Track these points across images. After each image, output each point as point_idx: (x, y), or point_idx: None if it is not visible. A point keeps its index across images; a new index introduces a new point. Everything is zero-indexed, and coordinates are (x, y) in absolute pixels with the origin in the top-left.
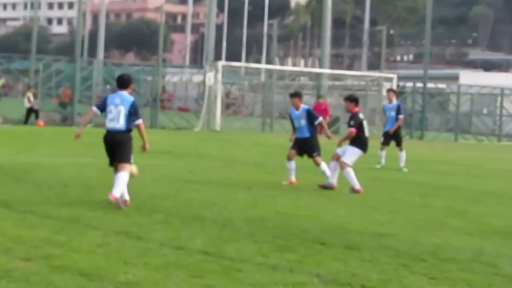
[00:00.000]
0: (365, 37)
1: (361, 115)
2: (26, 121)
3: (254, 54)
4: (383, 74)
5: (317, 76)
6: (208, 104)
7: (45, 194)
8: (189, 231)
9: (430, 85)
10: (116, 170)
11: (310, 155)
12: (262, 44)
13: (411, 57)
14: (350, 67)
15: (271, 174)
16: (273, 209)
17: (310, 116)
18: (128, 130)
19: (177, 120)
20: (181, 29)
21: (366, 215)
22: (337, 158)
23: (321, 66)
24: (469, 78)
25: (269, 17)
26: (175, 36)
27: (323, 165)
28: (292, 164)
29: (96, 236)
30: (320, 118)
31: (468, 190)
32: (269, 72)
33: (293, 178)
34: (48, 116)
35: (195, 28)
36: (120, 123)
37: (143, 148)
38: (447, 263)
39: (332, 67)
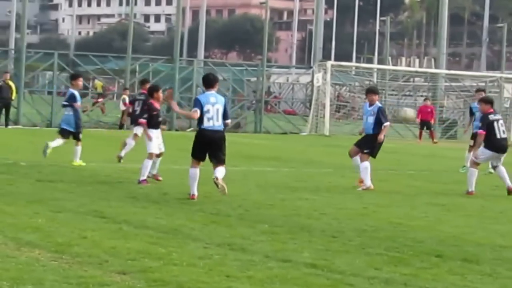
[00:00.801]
0: (485, 35)
1: (491, 116)
2: (121, 126)
3: (365, 53)
4: (503, 75)
5: (433, 76)
6: (316, 107)
7: (142, 203)
8: (296, 242)
9: None
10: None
11: (362, 151)
12: (374, 43)
13: None
14: (468, 67)
15: (384, 181)
16: (386, 219)
17: (380, 115)
18: (224, 129)
19: (283, 124)
20: (287, 26)
21: (485, 225)
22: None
23: (437, 66)
24: None
25: (382, 14)
26: (281, 34)
27: (364, 164)
28: (357, 161)
29: (196, 248)
30: (388, 123)
31: None
32: (382, 73)
33: (368, 182)
34: None
35: (302, 25)
36: (219, 122)
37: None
38: None
39: (448, 67)
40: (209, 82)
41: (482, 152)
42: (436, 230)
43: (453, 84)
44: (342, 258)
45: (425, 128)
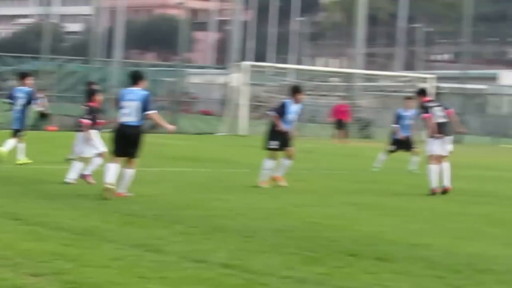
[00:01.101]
0: (401, 35)
1: (430, 104)
2: (35, 125)
3: (282, 53)
4: (419, 75)
5: (350, 76)
6: (233, 107)
7: (58, 204)
8: (211, 243)
9: (468, 85)
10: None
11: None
12: (291, 43)
13: (449, 56)
14: (384, 67)
15: (300, 181)
16: (301, 218)
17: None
18: (140, 125)
19: (200, 124)
20: (204, 26)
21: (399, 224)
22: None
23: (353, 66)
24: (509, 78)
25: (299, 14)
26: (198, 34)
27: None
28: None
29: (111, 249)
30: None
31: (508, 197)
32: (298, 73)
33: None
34: (61, 120)
35: (220, 25)
36: (135, 118)
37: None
38: (484, 275)
39: (365, 67)
40: (132, 78)
41: (429, 144)
42: (351, 229)
43: (370, 84)
44: (257, 258)
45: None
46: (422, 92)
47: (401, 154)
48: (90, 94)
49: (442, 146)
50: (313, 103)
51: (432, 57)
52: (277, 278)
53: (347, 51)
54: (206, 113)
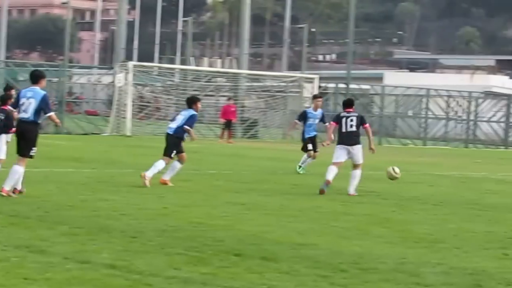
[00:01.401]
0: (286, 36)
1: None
2: None
3: (168, 53)
4: (304, 75)
5: (235, 76)
6: (117, 107)
7: None
8: (95, 243)
9: (353, 86)
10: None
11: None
12: (177, 43)
13: (334, 56)
14: (270, 67)
15: (185, 181)
16: (186, 218)
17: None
18: (36, 122)
19: (85, 124)
20: (89, 26)
21: (284, 224)
22: None
23: (239, 67)
24: (394, 78)
25: (184, 14)
26: (83, 34)
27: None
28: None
29: None
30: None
31: (392, 196)
32: (184, 73)
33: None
34: None
35: (105, 25)
36: (28, 114)
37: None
38: (369, 274)
39: (250, 67)
40: (33, 77)
41: (335, 149)
42: (236, 229)
43: (255, 84)
44: (142, 259)
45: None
46: (347, 103)
47: (289, 154)
48: (6, 98)
49: (347, 155)
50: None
51: (319, 57)
52: (162, 279)
53: (233, 51)
54: (92, 114)
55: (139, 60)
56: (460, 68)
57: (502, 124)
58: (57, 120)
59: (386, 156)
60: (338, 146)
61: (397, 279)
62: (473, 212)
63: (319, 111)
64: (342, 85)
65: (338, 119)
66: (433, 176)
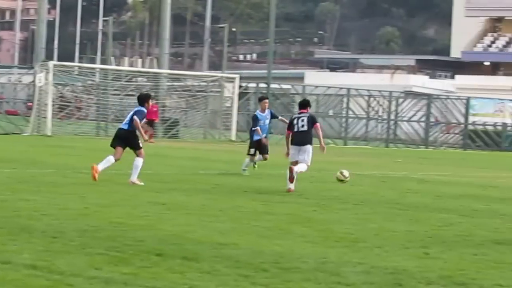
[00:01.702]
0: (207, 35)
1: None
2: None
3: (88, 53)
4: (224, 74)
5: (156, 76)
6: (38, 107)
7: None
8: (16, 244)
9: (274, 85)
10: None
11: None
12: (97, 43)
13: (254, 56)
14: (190, 67)
15: (106, 181)
16: (107, 218)
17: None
18: None
19: (5, 124)
20: (10, 26)
21: (205, 223)
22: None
23: (159, 66)
24: (315, 78)
25: (105, 14)
26: (3, 34)
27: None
28: None
29: None
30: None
31: (313, 196)
32: (104, 73)
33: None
34: None
35: (25, 25)
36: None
37: None
38: (290, 273)
39: (171, 67)
40: None
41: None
42: (157, 229)
43: (176, 83)
44: (63, 259)
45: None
46: (302, 104)
47: (210, 154)
48: None
49: (298, 154)
50: (120, 103)
51: (240, 57)
52: (83, 279)
53: (154, 50)
54: (12, 113)
55: (60, 59)
56: (380, 68)
57: (423, 124)
58: None
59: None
60: (291, 146)
61: (318, 279)
62: (394, 212)
63: (267, 111)
64: (263, 85)
65: (291, 124)
66: (354, 175)
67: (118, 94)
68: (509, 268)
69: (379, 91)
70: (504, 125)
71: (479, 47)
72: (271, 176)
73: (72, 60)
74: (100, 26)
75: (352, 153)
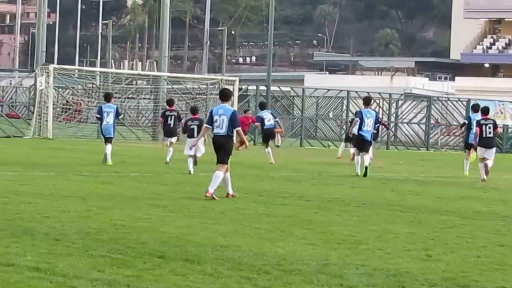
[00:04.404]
0: (206, 38)
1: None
2: None
3: (88, 56)
4: (224, 77)
5: (155, 79)
6: (39, 110)
7: None
8: (19, 246)
9: (274, 88)
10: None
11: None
12: (97, 46)
13: (254, 58)
14: (190, 70)
15: (107, 184)
16: (109, 221)
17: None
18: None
19: (6, 127)
20: (10, 30)
21: (207, 226)
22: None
23: (159, 69)
24: (315, 80)
25: (104, 17)
26: (4, 37)
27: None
28: None
29: None
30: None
31: (314, 198)
32: (105, 76)
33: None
34: None
35: (25, 28)
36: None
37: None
38: (292, 275)
39: (171, 70)
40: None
41: None
42: (159, 231)
43: (175, 86)
44: (65, 261)
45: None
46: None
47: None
48: None
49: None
50: (120, 106)
51: (239, 60)
52: (86, 281)
53: (153, 53)
54: (13, 117)
55: (60, 63)
56: (379, 70)
57: (423, 126)
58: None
59: (307, 158)
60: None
61: (320, 281)
62: (395, 214)
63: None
64: (262, 87)
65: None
66: (354, 177)
67: (119, 97)
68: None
69: (379, 93)
70: (505, 126)
71: (478, 49)
72: (272, 178)
73: (73, 63)
74: (100, 30)
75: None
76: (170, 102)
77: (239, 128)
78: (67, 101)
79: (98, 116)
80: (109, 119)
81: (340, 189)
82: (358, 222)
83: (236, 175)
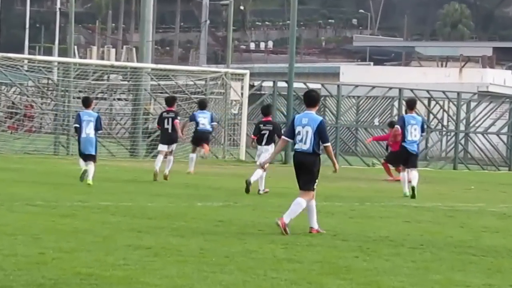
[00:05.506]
0: (205, 16)
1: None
2: None
3: (42, 41)
4: (230, 70)
5: (135, 72)
6: None
7: None
8: None
9: (298, 84)
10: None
11: None
12: (55, 27)
13: (270, 44)
14: (183, 60)
15: (68, 217)
16: (71, 268)
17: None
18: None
19: None
20: None
21: (206, 275)
22: None
23: (140, 59)
24: (354, 74)
25: None
26: None
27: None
28: None
29: None
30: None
31: (353, 237)
32: (65, 68)
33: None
34: None
35: None
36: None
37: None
38: None
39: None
40: (310, 101)
41: None
42: (140, 282)
43: (163, 83)
44: None
45: None
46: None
47: (212, 180)
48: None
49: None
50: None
51: (251, 46)
52: None
53: (132, 37)
54: None
55: (3, 50)
56: (444, 60)
57: (505, 137)
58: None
59: (343, 181)
60: None
61: None
62: (466, 258)
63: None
64: (282, 84)
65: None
66: (410, 208)
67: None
68: None
69: (443, 91)
70: None
71: None
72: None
73: (21, 50)
74: (58, 4)
75: None
76: (169, 101)
77: (329, 144)
78: (13, 103)
79: (76, 125)
80: (89, 131)
81: (390, 224)
82: (414, 270)
83: (246, 205)
